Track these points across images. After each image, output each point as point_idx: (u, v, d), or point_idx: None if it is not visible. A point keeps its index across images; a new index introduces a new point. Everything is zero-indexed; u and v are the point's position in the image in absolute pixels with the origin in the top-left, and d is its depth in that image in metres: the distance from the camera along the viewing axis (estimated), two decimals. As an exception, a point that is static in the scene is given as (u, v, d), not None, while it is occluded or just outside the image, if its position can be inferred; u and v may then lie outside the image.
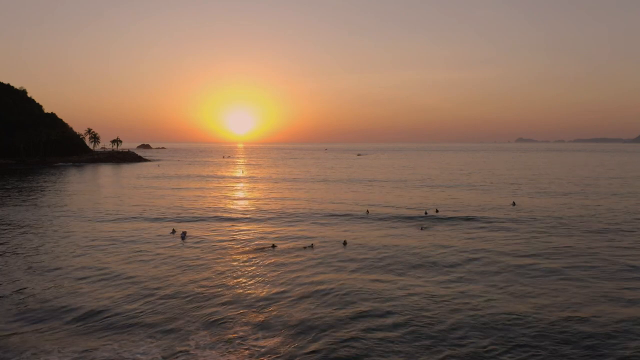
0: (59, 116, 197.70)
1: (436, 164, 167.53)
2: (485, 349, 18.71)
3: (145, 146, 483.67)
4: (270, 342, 19.51)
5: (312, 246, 36.05)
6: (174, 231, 42.24)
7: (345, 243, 37.16)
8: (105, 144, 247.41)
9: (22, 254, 34.62)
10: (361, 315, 22.18)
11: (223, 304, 23.98)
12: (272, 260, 32.41)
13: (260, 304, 23.98)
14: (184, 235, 40.35)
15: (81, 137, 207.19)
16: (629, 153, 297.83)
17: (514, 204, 60.25)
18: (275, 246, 36.24)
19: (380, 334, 20.06)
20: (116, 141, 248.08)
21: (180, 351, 18.70)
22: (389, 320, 21.57)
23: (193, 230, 43.05)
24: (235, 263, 32.01)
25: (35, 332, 20.63)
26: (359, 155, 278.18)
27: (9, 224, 46.91)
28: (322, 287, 26.42)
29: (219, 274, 29.45)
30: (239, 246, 37.13)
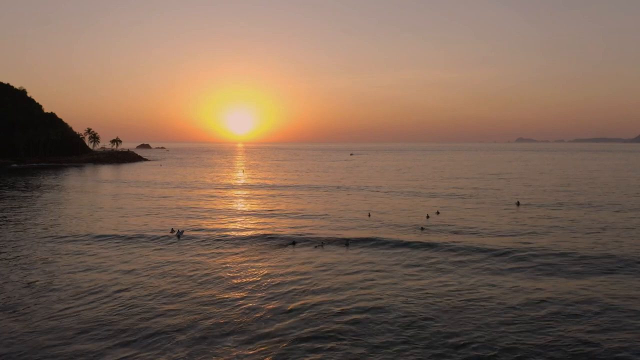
0: (59, 116, 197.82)
1: (434, 165, 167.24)
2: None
3: (145, 146, 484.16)
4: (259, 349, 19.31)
5: (322, 245, 37.18)
6: (172, 230, 42.32)
7: (347, 244, 37.20)
8: (105, 143, 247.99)
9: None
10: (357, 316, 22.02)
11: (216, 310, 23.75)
12: (275, 262, 32.17)
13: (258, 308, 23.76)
14: (180, 235, 40.49)
15: (81, 136, 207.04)
16: (631, 153, 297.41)
17: (518, 204, 59.90)
18: (296, 243, 37.74)
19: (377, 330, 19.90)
20: (116, 141, 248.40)
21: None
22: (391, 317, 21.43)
23: (196, 243, 42.69)
24: (240, 264, 31.78)
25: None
26: (351, 155, 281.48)
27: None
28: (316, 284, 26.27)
29: (213, 278, 29.17)
30: (245, 248, 36.89)
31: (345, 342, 19.80)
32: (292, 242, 38.16)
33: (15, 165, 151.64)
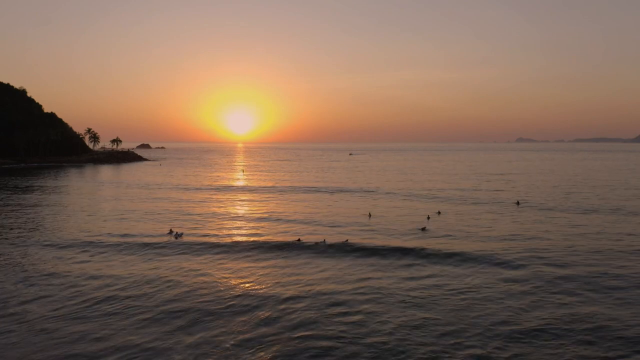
0: (59, 116, 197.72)
1: (434, 166, 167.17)
2: None
3: (145, 146, 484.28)
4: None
5: (324, 241, 37.86)
6: (171, 231, 42.24)
7: (347, 244, 37.21)
8: (105, 143, 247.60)
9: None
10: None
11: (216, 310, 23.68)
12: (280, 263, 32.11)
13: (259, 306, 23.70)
14: (178, 236, 40.51)
15: (81, 136, 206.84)
16: (631, 153, 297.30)
17: (517, 203, 59.90)
18: (301, 240, 38.46)
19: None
20: (116, 141, 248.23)
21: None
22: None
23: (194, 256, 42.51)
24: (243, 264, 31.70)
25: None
26: (350, 155, 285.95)
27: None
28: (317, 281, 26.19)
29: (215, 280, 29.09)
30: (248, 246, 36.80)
31: (344, 339, 19.86)
32: (298, 239, 38.73)
33: (14, 165, 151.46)
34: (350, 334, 20.57)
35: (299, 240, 38.52)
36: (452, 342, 19.79)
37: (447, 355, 18.70)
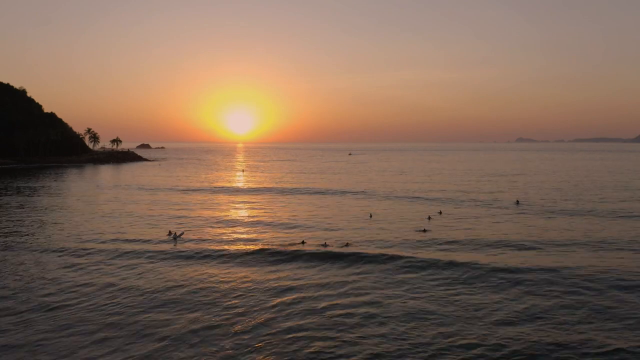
0: (59, 116, 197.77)
1: (435, 166, 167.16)
2: None
3: (145, 146, 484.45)
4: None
5: (325, 245, 37.48)
6: (170, 233, 42.03)
7: (347, 244, 37.19)
8: (105, 143, 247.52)
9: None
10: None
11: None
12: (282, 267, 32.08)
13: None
14: (177, 237, 40.11)
15: (81, 136, 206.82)
16: (631, 153, 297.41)
17: (517, 202, 59.90)
18: (305, 242, 38.31)
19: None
20: (116, 141, 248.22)
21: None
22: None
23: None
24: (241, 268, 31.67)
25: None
26: (350, 154, 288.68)
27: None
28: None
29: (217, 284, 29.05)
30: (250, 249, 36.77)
31: (343, 335, 19.90)
32: (302, 241, 38.50)
33: (14, 165, 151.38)
34: (349, 332, 20.58)
35: (303, 242, 38.29)
36: (449, 338, 19.89)
37: (446, 351, 18.73)
